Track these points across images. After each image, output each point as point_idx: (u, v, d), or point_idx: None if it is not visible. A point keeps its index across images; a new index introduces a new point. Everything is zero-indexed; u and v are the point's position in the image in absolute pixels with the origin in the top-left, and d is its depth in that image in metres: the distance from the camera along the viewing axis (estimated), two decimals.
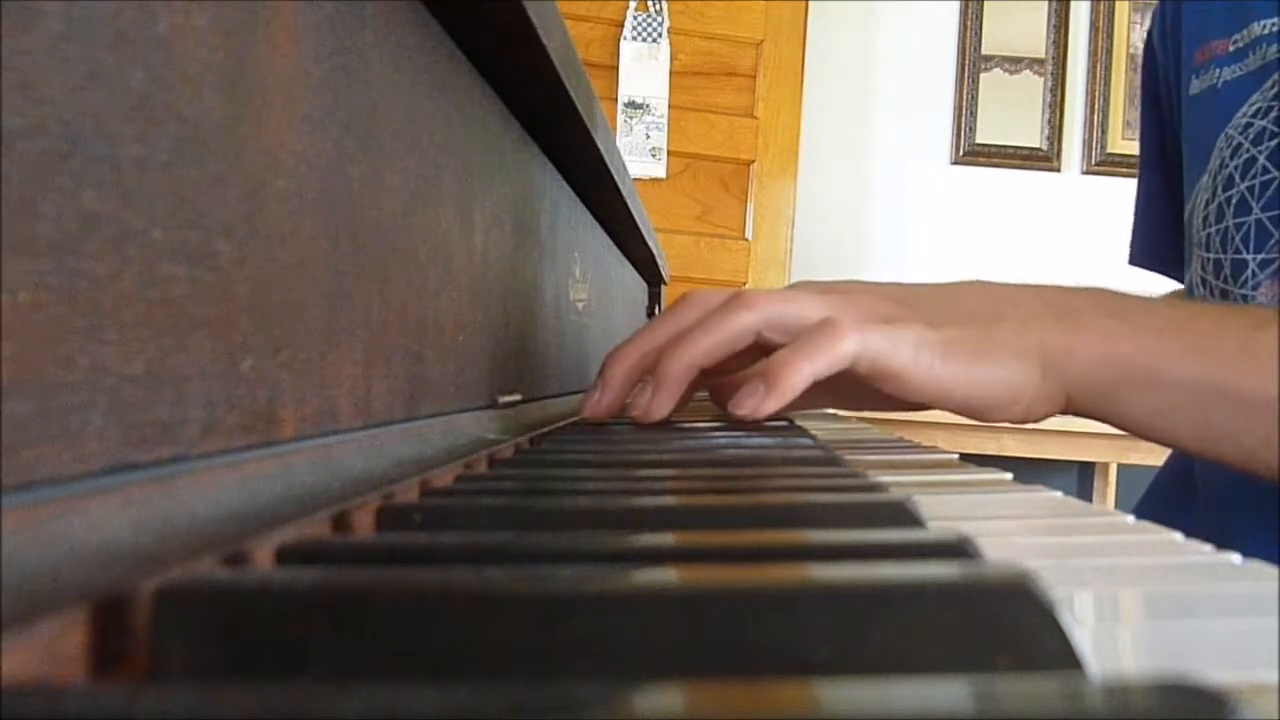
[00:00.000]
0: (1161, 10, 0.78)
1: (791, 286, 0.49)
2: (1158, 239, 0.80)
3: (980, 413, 0.45)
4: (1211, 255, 0.66)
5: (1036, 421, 0.46)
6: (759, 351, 0.47)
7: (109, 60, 0.17)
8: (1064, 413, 0.46)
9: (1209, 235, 0.67)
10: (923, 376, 0.43)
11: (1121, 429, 0.47)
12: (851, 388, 0.45)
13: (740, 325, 0.45)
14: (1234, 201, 0.64)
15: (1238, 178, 0.64)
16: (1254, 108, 0.64)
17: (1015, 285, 0.47)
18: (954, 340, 0.44)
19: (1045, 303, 0.45)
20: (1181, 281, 0.78)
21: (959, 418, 0.48)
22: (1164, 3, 0.78)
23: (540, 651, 0.14)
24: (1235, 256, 0.64)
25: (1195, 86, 0.71)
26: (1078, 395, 0.45)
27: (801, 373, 0.42)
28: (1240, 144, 0.64)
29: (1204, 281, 0.68)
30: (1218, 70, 0.69)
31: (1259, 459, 0.44)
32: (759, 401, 0.43)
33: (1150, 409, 0.44)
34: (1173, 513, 0.69)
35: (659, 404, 0.46)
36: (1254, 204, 0.63)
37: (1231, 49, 0.68)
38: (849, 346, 0.42)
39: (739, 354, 0.47)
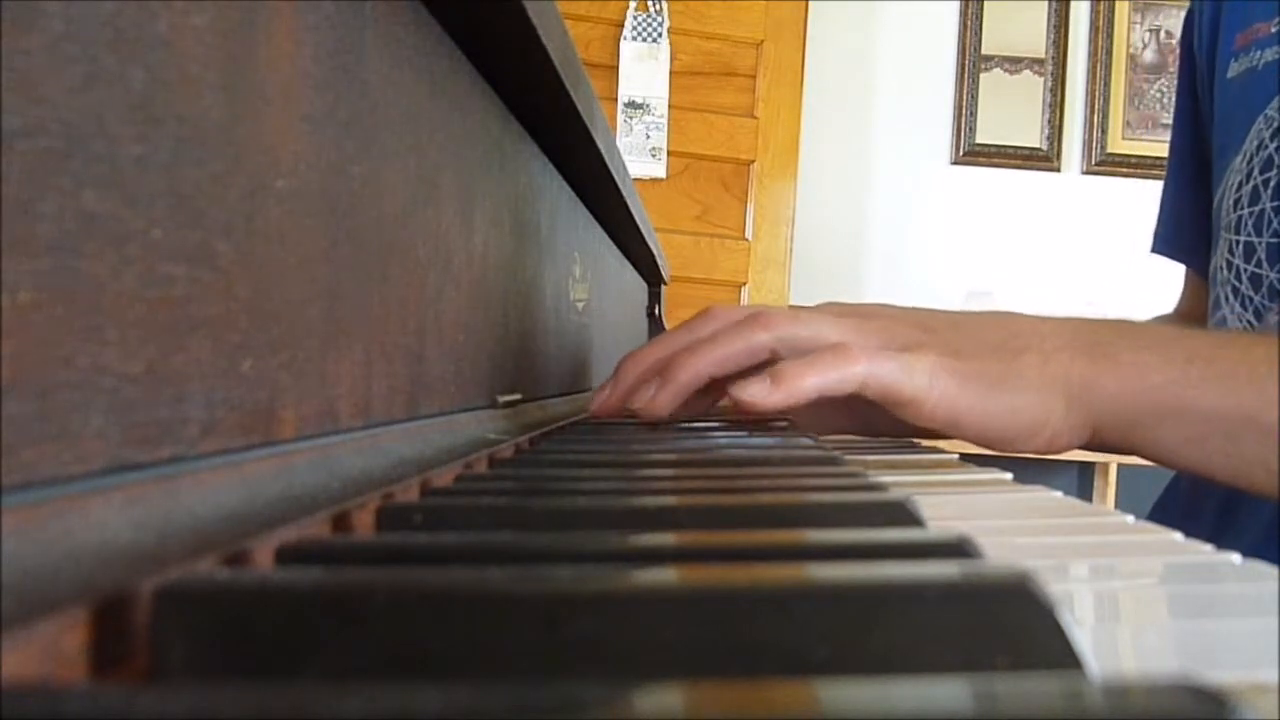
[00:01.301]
0: None
1: (816, 307, 0.49)
2: (1182, 228, 0.79)
3: (996, 444, 0.45)
4: (1243, 238, 0.65)
5: (1061, 453, 0.46)
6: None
7: (109, 60, 0.17)
8: (1091, 443, 0.46)
9: (1241, 218, 0.66)
10: (934, 403, 0.44)
11: (1153, 459, 0.47)
12: (870, 412, 0.46)
13: (754, 342, 0.45)
14: (1272, 184, 0.63)
15: (1278, 159, 0.63)
16: None
17: (1041, 317, 0.47)
18: (972, 371, 0.44)
19: (1072, 334, 0.45)
20: (1200, 271, 0.78)
21: None
22: None
23: (541, 652, 0.14)
24: (1272, 240, 0.63)
25: (1233, 69, 0.70)
26: (1106, 426, 0.45)
27: (807, 379, 0.43)
28: None
29: (1230, 264, 0.67)
30: (1259, 52, 0.67)
31: None
32: (764, 392, 0.43)
33: (1180, 439, 0.44)
34: (1180, 522, 0.68)
35: (661, 401, 0.46)
36: None
37: (1274, 29, 0.67)
38: (857, 369, 0.43)
39: (752, 368, 0.47)
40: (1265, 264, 0.63)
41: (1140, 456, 0.47)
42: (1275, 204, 0.63)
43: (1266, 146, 0.64)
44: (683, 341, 0.47)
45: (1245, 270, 0.65)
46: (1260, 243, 0.64)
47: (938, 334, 0.46)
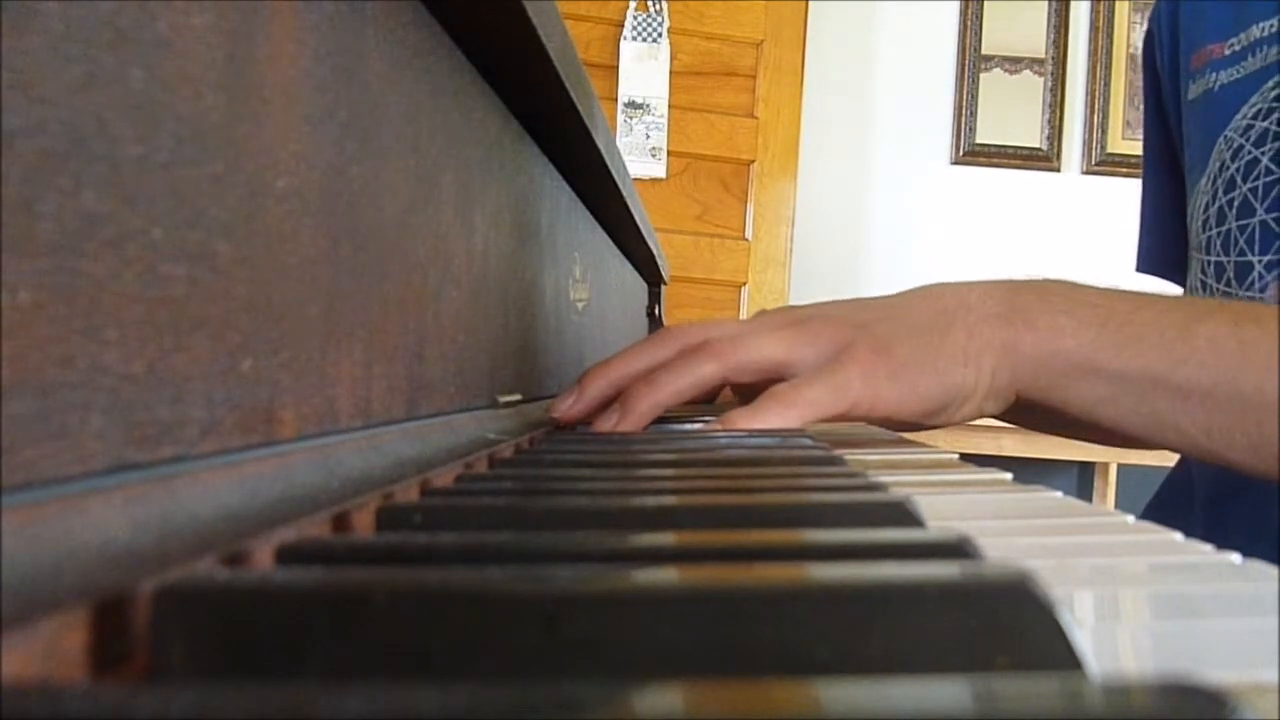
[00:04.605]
0: (1158, 13, 0.78)
1: (756, 318, 0.53)
2: (1165, 245, 0.80)
3: (932, 419, 0.50)
4: (1213, 258, 0.66)
5: (989, 415, 0.51)
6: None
7: (109, 60, 0.17)
8: (1018, 404, 0.50)
9: (1209, 239, 0.67)
10: (869, 404, 0.48)
11: (1073, 419, 0.50)
12: None
13: (705, 375, 0.49)
14: (1236, 204, 0.64)
15: (1240, 180, 0.64)
16: (1254, 109, 0.64)
17: (969, 284, 0.50)
18: (900, 361, 0.48)
19: (996, 301, 0.49)
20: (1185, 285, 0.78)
21: None
22: (1160, 4, 0.78)
23: (540, 652, 0.14)
24: (1239, 259, 0.64)
25: (1192, 91, 0.71)
26: (1026, 388, 0.48)
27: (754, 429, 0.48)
28: (1241, 146, 0.64)
29: (1204, 285, 0.68)
30: (1214, 74, 0.68)
31: (1202, 447, 0.46)
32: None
33: (1094, 399, 0.47)
34: (1173, 519, 0.69)
35: (625, 429, 0.49)
36: (1258, 206, 0.63)
37: (1228, 52, 0.68)
38: (794, 413, 0.47)
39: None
40: (1234, 283, 0.64)
41: (1063, 417, 0.50)
42: (1240, 224, 0.64)
43: (1228, 168, 0.65)
44: (644, 364, 0.51)
45: (1216, 290, 0.66)
46: (1229, 262, 0.65)
47: (869, 328, 0.49)
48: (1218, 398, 0.45)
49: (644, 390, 0.49)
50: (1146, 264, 0.83)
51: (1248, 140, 0.64)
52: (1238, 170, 0.64)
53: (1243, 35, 0.67)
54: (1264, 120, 0.63)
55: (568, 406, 0.51)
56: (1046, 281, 0.50)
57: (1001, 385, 0.48)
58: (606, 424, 0.49)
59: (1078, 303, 0.48)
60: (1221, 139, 0.66)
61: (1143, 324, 0.46)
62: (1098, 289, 0.49)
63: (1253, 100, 0.65)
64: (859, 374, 0.48)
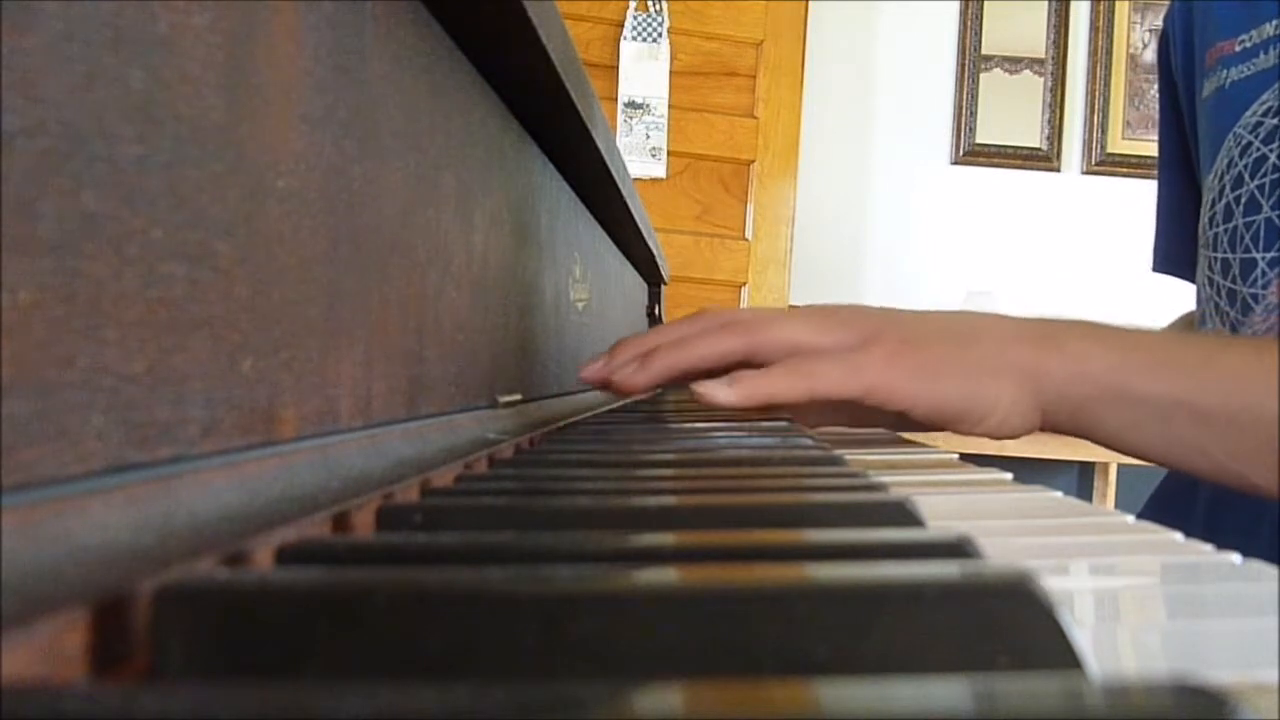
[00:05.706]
0: (1171, 14, 0.78)
1: (791, 309, 0.53)
2: (1181, 246, 0.80)
3: (950, 424, 0.49)
4: (1219, 255, 0.66)
5: (1013, 437, 0.49)
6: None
7: (109, 60, 0.17)
8: (1044, 427, 0.49)
9: (1216, 235, 0.67)
10: (886, 392, 0.47)
11: (1099, 443, 0.50)
12: (851, 405, 0.49)
13: (727, 347, 0.50)
14: (1243, 200, 0.64)
15: (1247, 176, 0.64)
16: (1264, 106, 0.64)
17: (1000, 315, 0.51)
18: (924, 359, 0.47)
19: (1023, 327, 0.49)
20: None
21: None
22: (1174, 4, 0.78)
23: (540, 651, 0.14)
24: (1244, 255, 0.64)
25: (1206, 89, 0.71)
26: (1053, 411, 0.48)
27: (760, 388, 0.47)
28: (1250, 142, 0.64)
29: (1210, 281, 0.68)
30: (1225, 71, 0.69)
31: (1229, 471, 0.47)
32: (721, 392, 0.47)
33: (1120, 424, 0.47)
34: (1173, 518, 0.69)
35: (638, 381, 0.50)
36: (1264, 202, 0.63)
37: (1239, 49, 0.68)
38: (804, 384, 0.47)
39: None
40: (1239, 279, 0.65)
41: (1089, 440, 0.50)
42: (1246, 220, 0.64)
43: (1236, 164, 0.65)
44: (673, 335, 0.52)
45: (1223, 286, 0.66)
46: (1235, 258, 0.65)
47: (900, 324, 0.49)
48: (1242, 422, 0.45)
49: (668, 351, 0.50)
50: (1162, 264, 0.83)
51: (1257, 137, 0.64)
52: (1245, 167, 0.64)
53: (1254, 32, 0.67)
54: (1273, 117, 0.63)
55: (596, 369, 0.52)
56: (1079, 319, 0.50)
57: (1026, 407, 0.48)
58: (625, 373, 0.50)
59: (1104, 331, 0.48)
60: (1231, 135, 0.66)
61: (1167, 351, 0.47)
62: (1128, 326, 0.50)
63: (1263, 97, 0.65)
64: (881, 359, 0.47)
